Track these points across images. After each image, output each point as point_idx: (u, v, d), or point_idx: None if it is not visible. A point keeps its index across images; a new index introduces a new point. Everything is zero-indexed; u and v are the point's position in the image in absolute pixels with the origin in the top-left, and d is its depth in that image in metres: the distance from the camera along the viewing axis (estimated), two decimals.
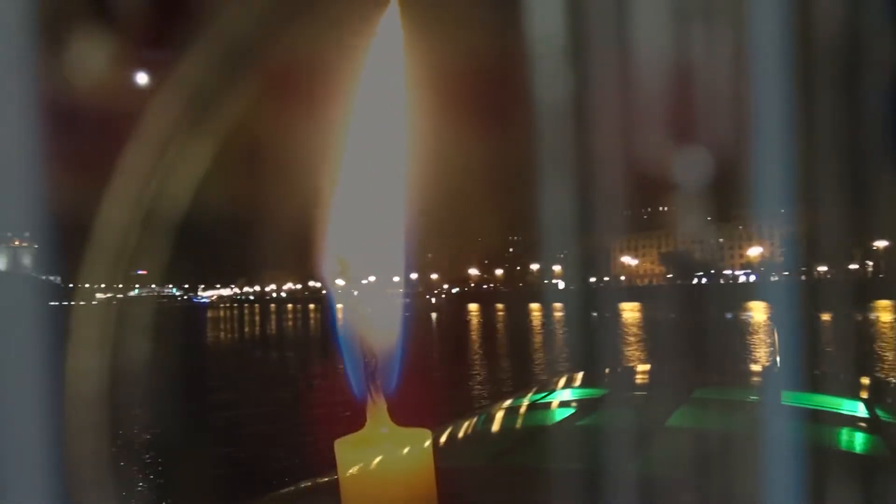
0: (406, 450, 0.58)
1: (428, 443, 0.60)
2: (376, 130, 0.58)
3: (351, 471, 0.57)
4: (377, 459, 0.57)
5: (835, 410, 1.72)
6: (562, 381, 2.30)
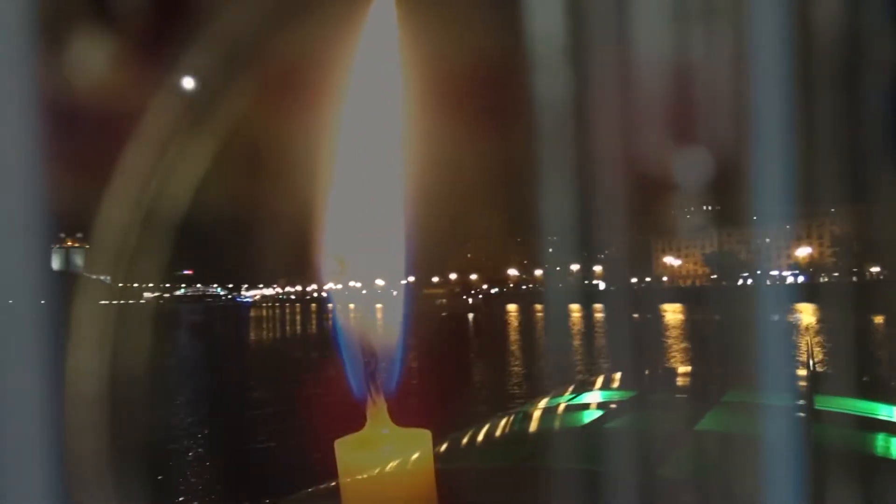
0: (406, 450, 0.58)
1: (428, 443, 0.60)
2: (382, 128, 0.58)
3: (351, 471, 0.57)
4: (377, 460, 0.57)
5: (872, 416, 1.66)
6: (591, 383, 2.27)
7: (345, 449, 0.58)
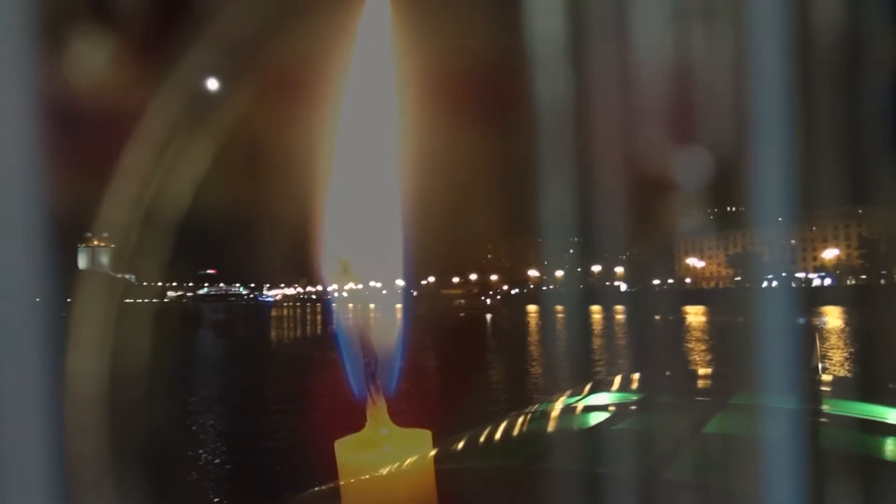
0: (406, 450, 0.58)
1: (428, 443, 0.59)
2: (395, 127, 0.58)
3: (351, 471, 0.57)
4: (377, 460, 0.57)
5: (883, 420, 1.62)
6: (602, 385, 2.25)
7: (345, 449, 0.58)
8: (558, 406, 1.93)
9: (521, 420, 1.87)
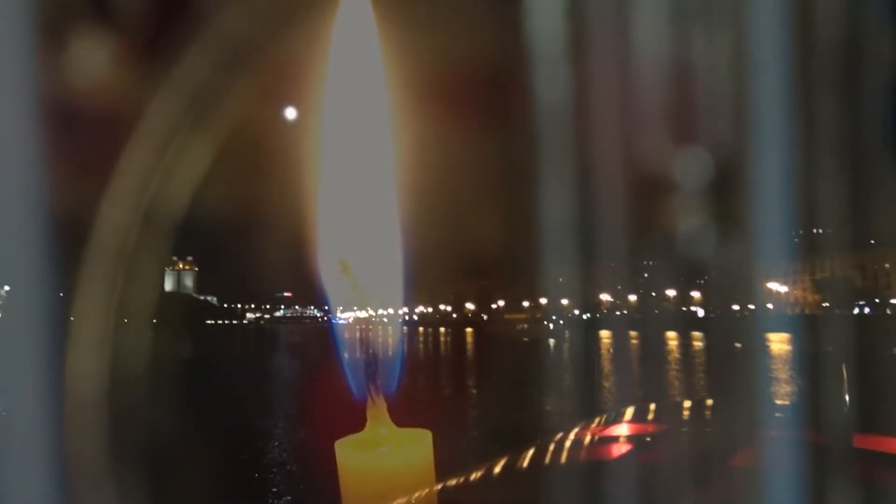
0: (406, 450, 0.58)
1: (428, 443, 0.59)
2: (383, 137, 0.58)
3: (351, 472, 0.57)
4: (377, 460, 0.57)
5: None
6: (629, 414, 2.18)
7: (345, 450, 0.58)
8: (581, 436, 1.89)
9: (554, 446, 1.84)
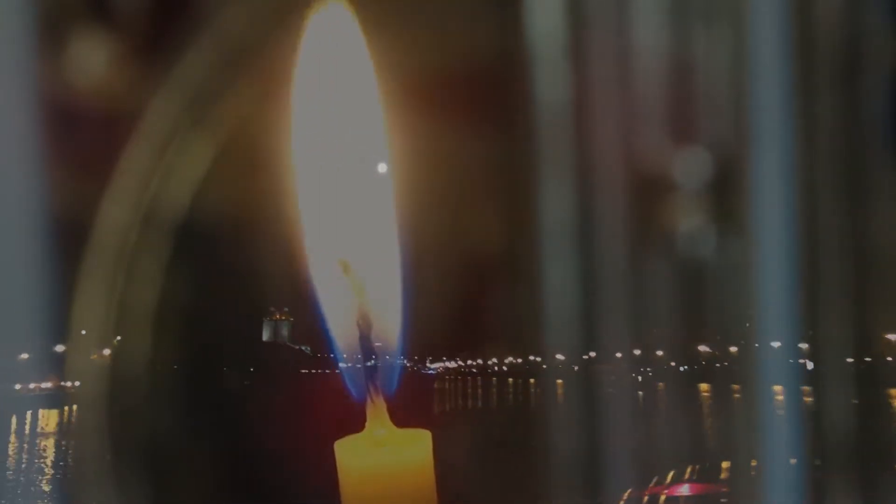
0: (406, 451, 0.57)
1: (428, 444, 0.58)
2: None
3: (351, 472, 0.57)
4: (377, 461, 0.57)
5: None
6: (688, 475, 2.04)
7: (344, 450, 0.58)
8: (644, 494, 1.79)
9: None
